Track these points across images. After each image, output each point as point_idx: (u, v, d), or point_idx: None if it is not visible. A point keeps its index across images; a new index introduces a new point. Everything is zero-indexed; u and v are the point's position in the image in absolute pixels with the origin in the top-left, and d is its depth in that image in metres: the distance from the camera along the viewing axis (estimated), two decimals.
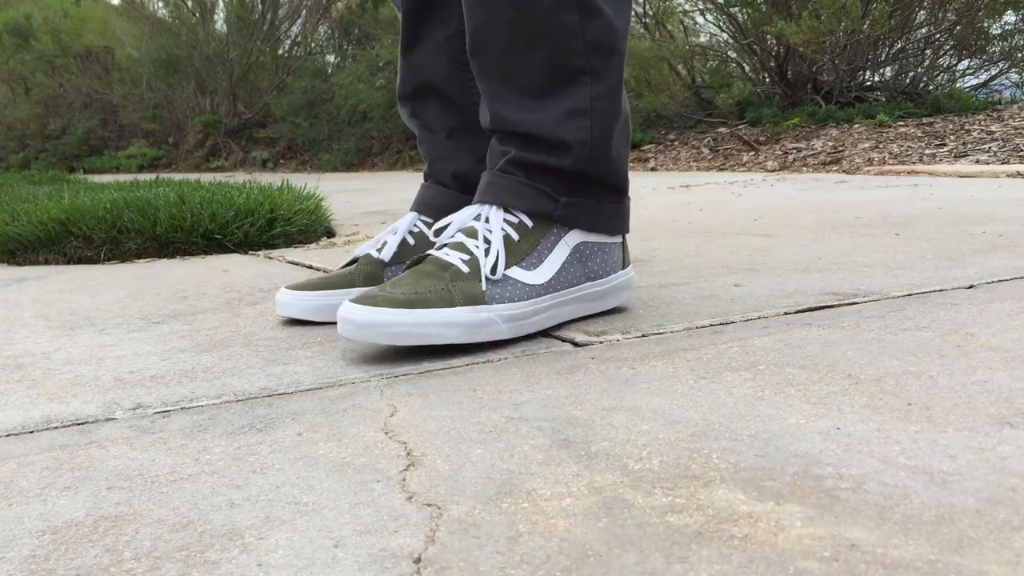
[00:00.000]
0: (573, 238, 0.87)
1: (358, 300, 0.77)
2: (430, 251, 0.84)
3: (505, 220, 0.85)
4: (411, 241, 1.01)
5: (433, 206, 1.04)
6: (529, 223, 0.85)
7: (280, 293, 0.98)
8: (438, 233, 0.89)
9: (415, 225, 1.03)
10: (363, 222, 2.27)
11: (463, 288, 0.78)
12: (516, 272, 0.82)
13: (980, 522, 0.41)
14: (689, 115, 4.76)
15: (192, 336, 0.93)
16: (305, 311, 0.96)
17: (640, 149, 4.48)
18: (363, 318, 0.75)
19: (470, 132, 1.03)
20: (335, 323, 0.95)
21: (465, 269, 0.80)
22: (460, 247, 0.83)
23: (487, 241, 0.83)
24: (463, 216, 0.87)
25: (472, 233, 0.84)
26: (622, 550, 0.40)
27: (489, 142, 0.93)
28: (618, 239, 0.92)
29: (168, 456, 0.56)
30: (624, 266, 0.93)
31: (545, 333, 0.85)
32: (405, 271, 0.83)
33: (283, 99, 7.19)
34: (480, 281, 0.80)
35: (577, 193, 0.87)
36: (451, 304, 0.77)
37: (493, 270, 0.81)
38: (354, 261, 1.01)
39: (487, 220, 0.84)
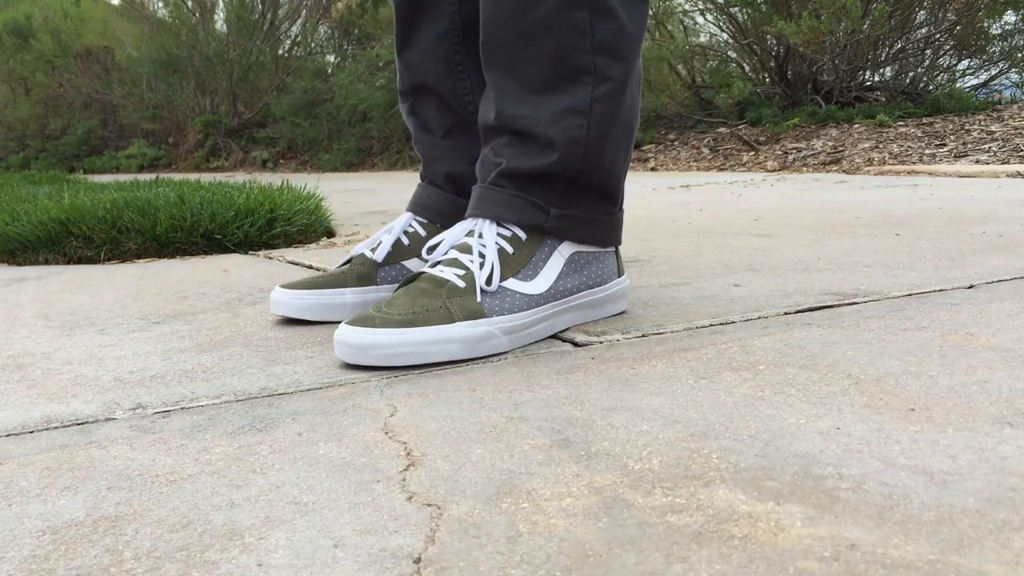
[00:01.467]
0: (566, 249, 0.87)
1: (354, 322, 0.76)
2: (424, 269, 0.84)
3: (499, 233, 0.84)
4: (405, 241, 1.01)
5: (428, 207, 1.04)
6: (523, 235, 0.85)
7: (275, 292, 0.98)
8: (430, 251, 0.88)
9: (410, 225, 1.03)
10: (363, 222, 2.27)
11: (461, 304, 0.78)
12: (513, 283, 0.82)
13: (980, 522, 0.41)
14: (689, 115, 4.76)
15: (192, 336, 0.93)
16: (299, 310, 0.96)
17: (640, 149, 4.48)
18: (361, 340, 0.75)
19: (465, 133, 1.03)
20: (330, 322, 0.95)
21: (461, 284, 0.79)
22: (455, 263, 0.82)
23: (482, 256, 0.82)
24: (455, 232, 0.86)
25: (466, 248, 0.83)
26: (622, 550, 0.40)
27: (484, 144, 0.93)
28: (611, 249, 0.92)
29: (168, 456, 0.56)
30: (619, 275, 0.93)
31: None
32: (399, 289, 0.82)
33: (283, 99, 7.19)
34: (476, 294, 0.79)
35: (568, 204, 0.86)
36: (450, 321, 0.77)
37: (488, 281, 0.80)
38: (349, 261, 1.01)
39: (480, 235, 0.84)
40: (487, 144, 0.89)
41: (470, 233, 0.85)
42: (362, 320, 0.76)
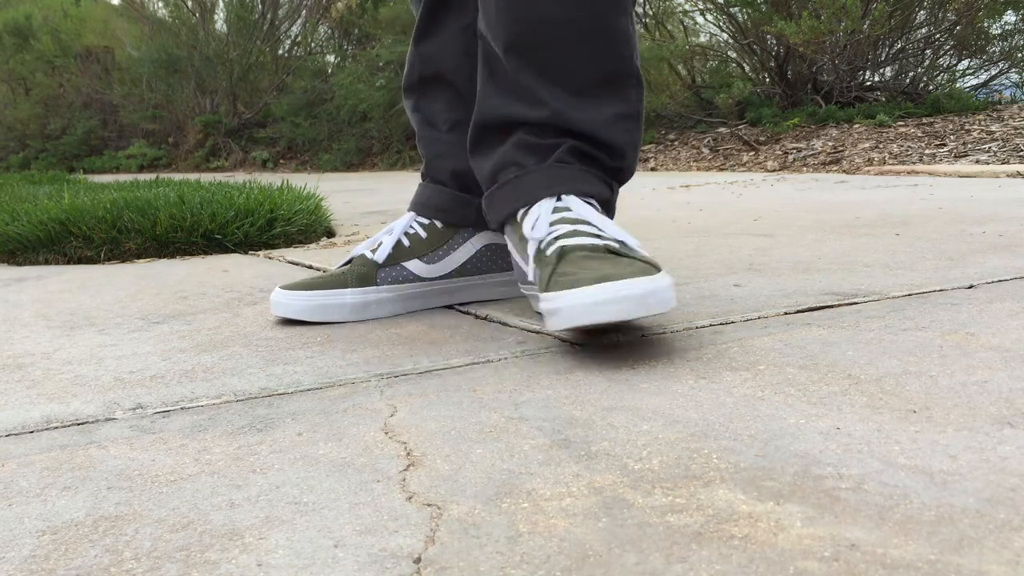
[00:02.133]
0: None
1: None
2: (564, 240, 0.80)
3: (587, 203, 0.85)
4: (406, 243, 1.01)
5: (431, 206, 1.03)
6: (599, 207, 0.87)
7: (274, 293, 0.98)
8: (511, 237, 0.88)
9: (411, 226, 1.02)
10: (363, 222, 2.27)
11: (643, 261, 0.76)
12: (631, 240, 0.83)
13: (980, 522, 0.41)
14: (689, 115, 4.76)
15: (192, 336, 0.93)
16: (298, 311, 0.96)
17: (640, 149, 4.48)
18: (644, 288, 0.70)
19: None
20: (331, 323, 0.95)
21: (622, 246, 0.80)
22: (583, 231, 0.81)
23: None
24: (544, 208, 0.84)
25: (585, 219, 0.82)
26: (622, 550, 0.40)
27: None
28: None
29: (168, 456, 0.56)
30: None
31: (545, 333, 0.85)
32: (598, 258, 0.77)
33: (283, 99, 7.19)
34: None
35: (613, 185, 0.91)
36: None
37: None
38: (350, 261, 1.01)
39: (580, 207, 0.84)
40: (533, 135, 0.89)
41: (560, 206, 0.84)
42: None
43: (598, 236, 0.80)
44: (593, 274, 0.72)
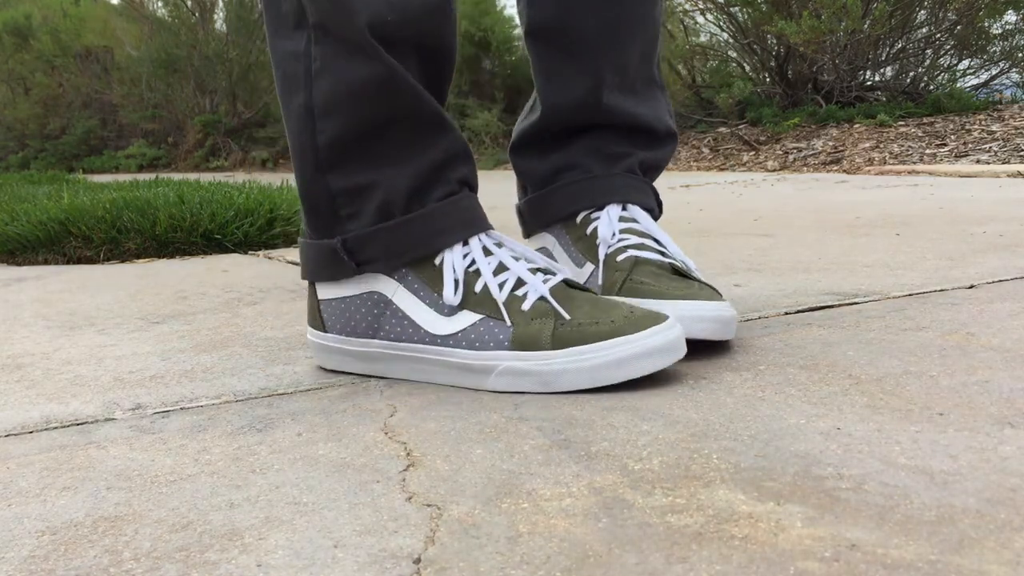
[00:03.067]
0: None
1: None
2: (635, 252, 0.80)
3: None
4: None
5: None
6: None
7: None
8: (583, 238, 0.86)
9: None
10: None
11: None
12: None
13: (980, 522, 0.41)
14: (689, 115, 4.76)
15: (192, 336, 0.93)
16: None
17: None
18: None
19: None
20: None
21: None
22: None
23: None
24: (612, 213, 0.85)
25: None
26: (622, 550, 0.40)
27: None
28: None
29: (168, 456, 0.56)
30: None
31: None
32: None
33: None
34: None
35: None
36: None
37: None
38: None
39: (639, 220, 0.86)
40: (590, 135, 0.90)
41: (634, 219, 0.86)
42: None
43: (663, 254, 0.82)
44: (676, 292, 0.74)
